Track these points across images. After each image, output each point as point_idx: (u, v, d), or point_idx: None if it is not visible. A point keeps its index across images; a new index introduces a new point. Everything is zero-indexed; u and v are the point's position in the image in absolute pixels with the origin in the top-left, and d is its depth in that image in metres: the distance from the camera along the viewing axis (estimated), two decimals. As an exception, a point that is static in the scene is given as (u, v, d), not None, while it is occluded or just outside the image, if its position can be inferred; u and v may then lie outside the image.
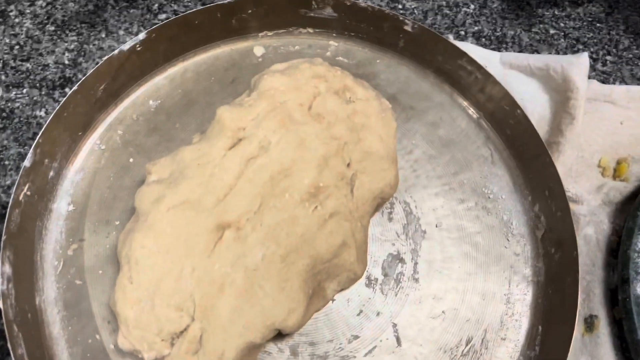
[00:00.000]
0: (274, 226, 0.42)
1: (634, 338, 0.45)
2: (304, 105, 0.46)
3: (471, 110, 0.54)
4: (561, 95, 0.54)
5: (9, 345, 0.38)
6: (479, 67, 0.52)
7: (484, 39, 0.61)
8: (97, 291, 0.45)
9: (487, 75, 0.52)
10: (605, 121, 0.55)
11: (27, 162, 0.43)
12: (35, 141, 0.44)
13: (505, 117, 0.52)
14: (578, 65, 0.53)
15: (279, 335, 0.44)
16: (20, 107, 0.51)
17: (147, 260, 0.41)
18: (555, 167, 0.48)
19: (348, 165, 0.46)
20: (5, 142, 0.50)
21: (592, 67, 0.61)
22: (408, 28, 0.54)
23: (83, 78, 0.46)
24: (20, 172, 0.43)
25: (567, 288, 0.45)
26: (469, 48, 0.55)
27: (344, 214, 0.44)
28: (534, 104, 0.55)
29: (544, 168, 0.49)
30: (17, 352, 0.39)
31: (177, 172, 0.44)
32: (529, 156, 0.51)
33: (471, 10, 0.63)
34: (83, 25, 0.55)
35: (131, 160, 0.49)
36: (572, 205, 0.51)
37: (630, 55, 0.62)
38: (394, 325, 0.46)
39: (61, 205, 0.47)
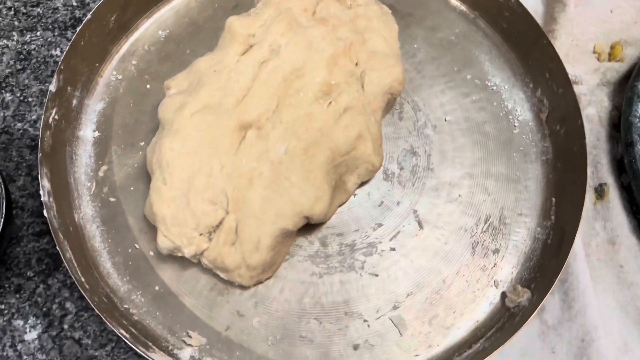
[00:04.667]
0: (293, 122, 0.45)
1: (643, 196, 0.48)
2: (307, 11, 0.49)
3: (467, 11, 0.56)
4: (552, -13, 0.56)
5: (58, 249, 0.41)
6: (471, -33, 0.54)
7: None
8: (131, 206, 0.47)
9: (479, -27, 0.54)
10: (595, 10, 0.58)
11: (52, 87, 0.45)
12: (58, 67, 0.46)
13: (500, 10, 0.54)
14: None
15: (308, 228, 0.46)
16: (36, 48, 0.53)
17: (177, 161, 0.43)
18: (553, 47, 0.50)
19: (356, 64, 0.48)
20: (26, 81, 0.52)
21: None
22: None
23: (95, 7, 0.48)
24: (47, 96, 0.45)
25: (575, 157, 0.48)
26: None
27: (358, 108, 0.46)
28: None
29: (542, 51, 0.51)
30: (66, 256, 0.41)
31: (195, 81, 0.46)
32: (527, 44, 0.53)
33: None
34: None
35: (148, 86, 0.51)
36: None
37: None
38: (414, 211, 0.49)
39: (87, 132, 0.49)
